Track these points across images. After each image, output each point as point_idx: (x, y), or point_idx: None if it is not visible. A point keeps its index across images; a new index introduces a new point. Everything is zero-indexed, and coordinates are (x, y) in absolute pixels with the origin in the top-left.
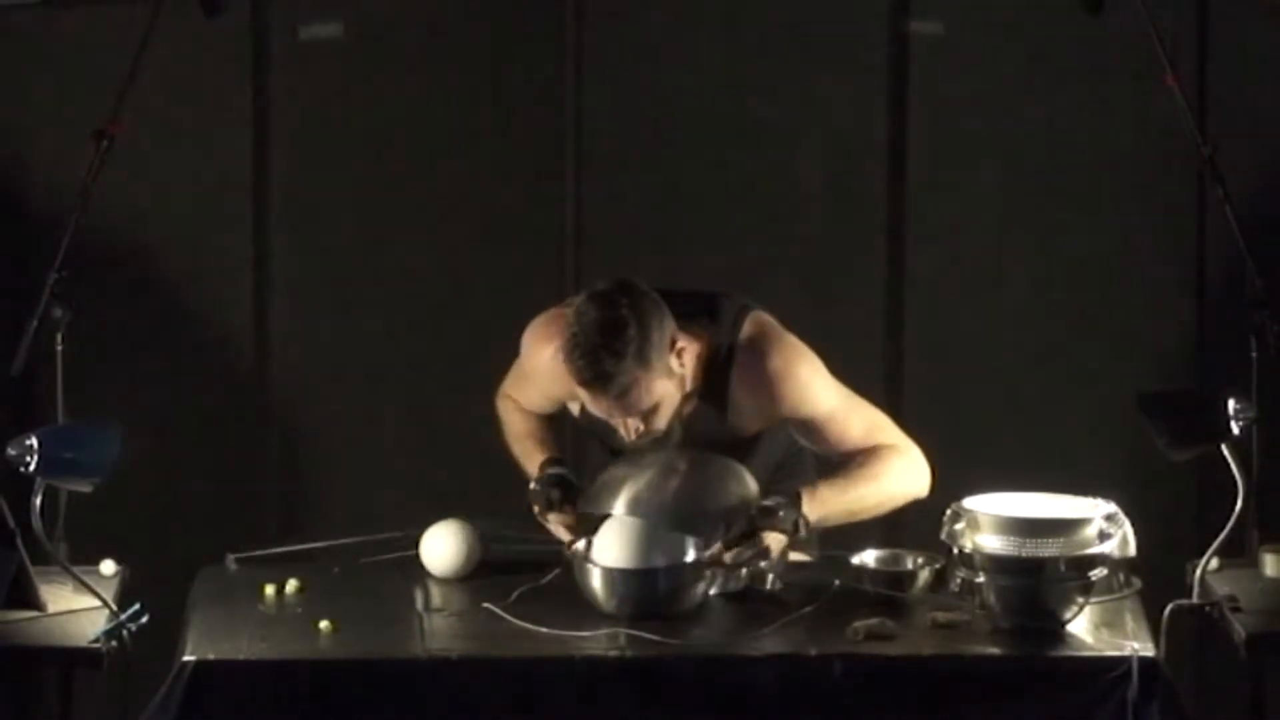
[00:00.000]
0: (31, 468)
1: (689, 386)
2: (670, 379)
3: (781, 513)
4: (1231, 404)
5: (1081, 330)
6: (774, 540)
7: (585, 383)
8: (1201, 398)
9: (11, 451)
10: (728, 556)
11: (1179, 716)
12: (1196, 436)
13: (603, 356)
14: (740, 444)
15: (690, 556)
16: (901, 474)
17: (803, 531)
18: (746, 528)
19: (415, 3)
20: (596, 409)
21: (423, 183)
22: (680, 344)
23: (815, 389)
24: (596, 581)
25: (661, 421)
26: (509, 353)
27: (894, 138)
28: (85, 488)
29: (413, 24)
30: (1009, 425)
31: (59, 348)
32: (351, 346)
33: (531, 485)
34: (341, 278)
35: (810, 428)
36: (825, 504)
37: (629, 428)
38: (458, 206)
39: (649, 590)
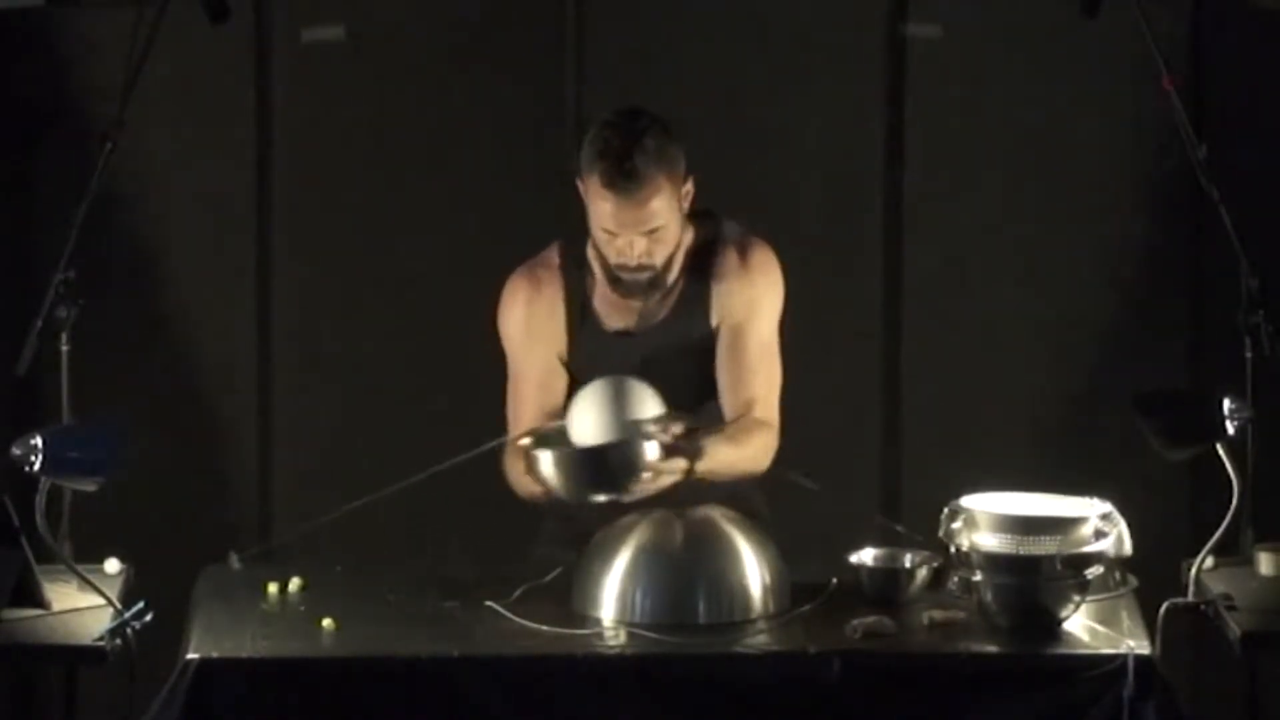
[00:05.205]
0: (36, 467)
1: (683, 248)
2: (678, 210)
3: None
4: (1227, 404)
5: (1077, 330)
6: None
7: (612, 181)
8: (1197, 398)
9: (16, 451)
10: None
11: (1174, 714)
12: (1192, 436)
13: (634, 153)
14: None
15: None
16: (765, 454)
17: (686, 477)
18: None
19: (417, 5)
20: (608, 221)
21: (424, 184)
22: (689, 185)
23: (769, 308)
24: (549, 468)
25: (660, 252)
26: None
27: (892, 140)
28: (90, 487)
29: (415, 26)
30: (1006, 425)
31: (64, 348)
32: (354, 346)
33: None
34: (344, 278)
35: (735, 340)
36: (714, 460)
37: (633, 249)
38: (459, 207)
39: (602, 466)
